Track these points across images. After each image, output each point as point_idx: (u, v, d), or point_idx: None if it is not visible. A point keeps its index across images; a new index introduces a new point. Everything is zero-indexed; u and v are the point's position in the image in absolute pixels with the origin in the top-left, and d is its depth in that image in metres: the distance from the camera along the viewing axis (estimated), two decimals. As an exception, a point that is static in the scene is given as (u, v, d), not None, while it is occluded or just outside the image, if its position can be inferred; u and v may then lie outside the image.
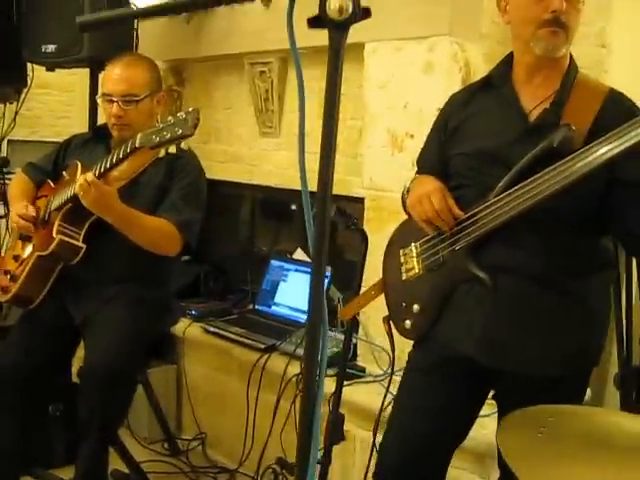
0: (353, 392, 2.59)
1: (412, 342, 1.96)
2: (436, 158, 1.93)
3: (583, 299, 1.76)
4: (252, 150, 3.55)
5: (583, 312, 1.77)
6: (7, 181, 3.54)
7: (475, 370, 1.80)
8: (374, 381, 2.70)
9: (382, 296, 2.02)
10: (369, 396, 2.56)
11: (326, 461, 2.17)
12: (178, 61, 3.81)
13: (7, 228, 3.38)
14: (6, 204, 3.43)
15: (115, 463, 2.74)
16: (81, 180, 2.35)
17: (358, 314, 2.43)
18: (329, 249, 1.00)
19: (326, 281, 2.89)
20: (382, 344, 2.63)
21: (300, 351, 2.70)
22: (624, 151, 1.54)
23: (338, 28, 0.89)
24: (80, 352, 2.68)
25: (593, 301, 1.79)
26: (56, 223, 2.49)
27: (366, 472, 2.25)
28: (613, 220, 1.71)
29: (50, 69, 3.51)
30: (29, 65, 3.62)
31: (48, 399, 2.97)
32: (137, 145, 2.29)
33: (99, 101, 2.68)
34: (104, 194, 2.37)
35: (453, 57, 2.48)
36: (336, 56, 0.93)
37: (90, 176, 2.35)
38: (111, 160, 2.38)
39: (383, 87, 2.68)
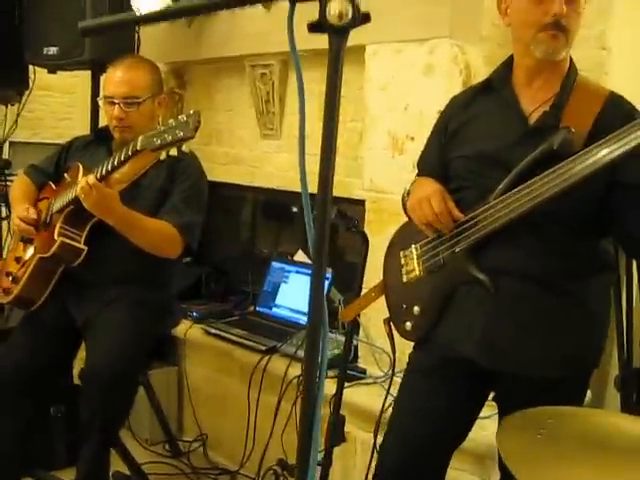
0: (354, 394, 2.60)
1: (413, 344, 1.97)
2: (436, 160, 1.94)
3: (583, 301, 1.76)
4: (253, 152, 3.55)
5: (583, 314, 1.77)
6: (9, 183, 3.54)
7: (475, 372, 1.80)
8: (375, 383, 2.70)
9: (383, 298, 2.03)
10: (370, 398, 2.56)
11: (327, 463, 2.17)
12: (179, 63, 3.81)
13: (9, 230, 3.38)
14: (8, 206, 3.44)
15: (116, 465, 2.74)
16: (82, 183, 2.35)
17: (359, 316, 2.43)
18: (330, 251, 1.01)
19: (327, 283, 2.89)
20: (383, 346, 2.63)
21: (301, 353, 2.70)
22: (624, 154, 1.55)
23: (338, 33, 0.90)
24: (82, 354, 2.68)
25: (593, 303, 1.79)
26: (58, 225, 2.50)
27: (367, 474, 2.25)
28: (613, 223, 1.72)
29: (52, 71, 3.52)
30: (31, 67, 3.63)
31: (50, 401, 2.97)
32: (138, 148, 2.29)
33: (100, 103, 2.68)
34: (105, 196, 2.38)
35: (453, 59, 2.49)
36: (336, 59, 0.94)
37: (91, 179, 2.35)
38: (112, 163, 2.38)
39: (384, 89, 2.69)
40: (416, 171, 2.07)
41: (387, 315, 1.99)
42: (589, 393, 2.19)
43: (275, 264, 3.40)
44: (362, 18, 0.90)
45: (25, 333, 2.64)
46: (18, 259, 2.66)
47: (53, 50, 3.28)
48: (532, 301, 1.73)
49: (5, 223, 3.68)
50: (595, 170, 1.57)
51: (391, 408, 2.02)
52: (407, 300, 1.91)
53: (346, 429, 2.24)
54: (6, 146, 4.04)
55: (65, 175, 2.66)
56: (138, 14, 1.19)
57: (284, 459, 2.63)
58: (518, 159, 1.69)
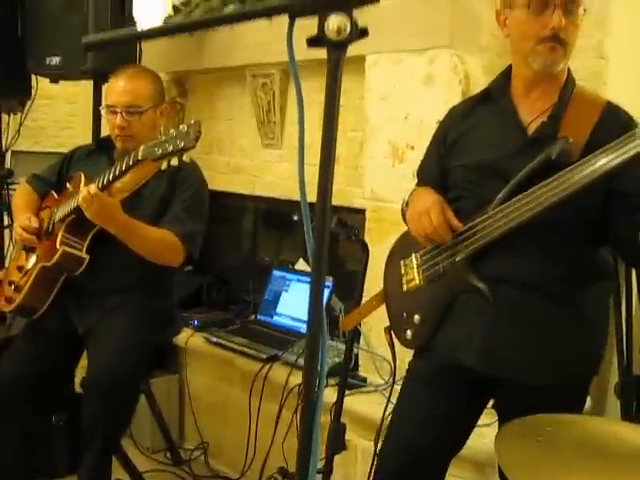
0: (354, 402, 2.60)
1: (413, 352, 1.98)
2: (436, 170, 1.95)
3: (582, 309, 1.77)
4: (254, 161, 3.56)
5: (582, 322, 1.78)
6: (11, 192, 3.55)
7: (475, 380, 1.81)
8: (375, 391, 2.71)
9: (383, 306, 2.04)
10: (370, 406, 2.57)
11: (327, 470, 2.17)
12: (181, 73, 3.83)
13: (11, 239, 3.39)
14: (10, 215, 3.45)
15: (118, 473, 2.75)
16: (84, 192, 2.37)
17: (359, 324, 2.43)
18: (330, 259, 1.01)
19: (327, 291, 2.90)
20: (383, 354, 2.64)
21: (302, 361, 2.70)
22: (621, 163, 1.56)
23: (336, 48, 0.92)
24: (83, 362, 2.69)
25: (592, 311, 1.80)
26: (60, 234, 2.51)
27: (367, 481, 2.26)
28: (611, 231, 1.72)
29: (54, 81, 3.53)
30: (33, 76, 3.64)
31: (51, 409, 2.97)
32: (140, 157, 2.30)
33: (102, 112, 2.70)
34: (107, 206, 2.39)
35: (453, 69, 2.50)
36: (335, 69, 0.95)
37: (93, 188, 2.37)
38: (114, 172, 2.39)
39: (384, 99, 2.70)
40: (416, 180, 2.08)
41: (388, 324, 2.00)
42: (589, 401, 2.19)
43: (276, 273, 3.40)
44: (360, 33, 0.91)
45: (27, 341, 2.65)
46: (20, 268, 2.67)
47: (55, 60, 3.30)
48: (531, 309, 1.74)
49: (7, 232, 3.69)
50: (593, 180, 1.58)
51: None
52: (407, 309, 1.92)
53: (347, 437, 2.24)
54: (8, 155, 4.04)
55: (67, 184, 2.67)
56: (140, 29, 1.20)
57: (285, 467, 2.63)
58: (516, 169, 1.70)
